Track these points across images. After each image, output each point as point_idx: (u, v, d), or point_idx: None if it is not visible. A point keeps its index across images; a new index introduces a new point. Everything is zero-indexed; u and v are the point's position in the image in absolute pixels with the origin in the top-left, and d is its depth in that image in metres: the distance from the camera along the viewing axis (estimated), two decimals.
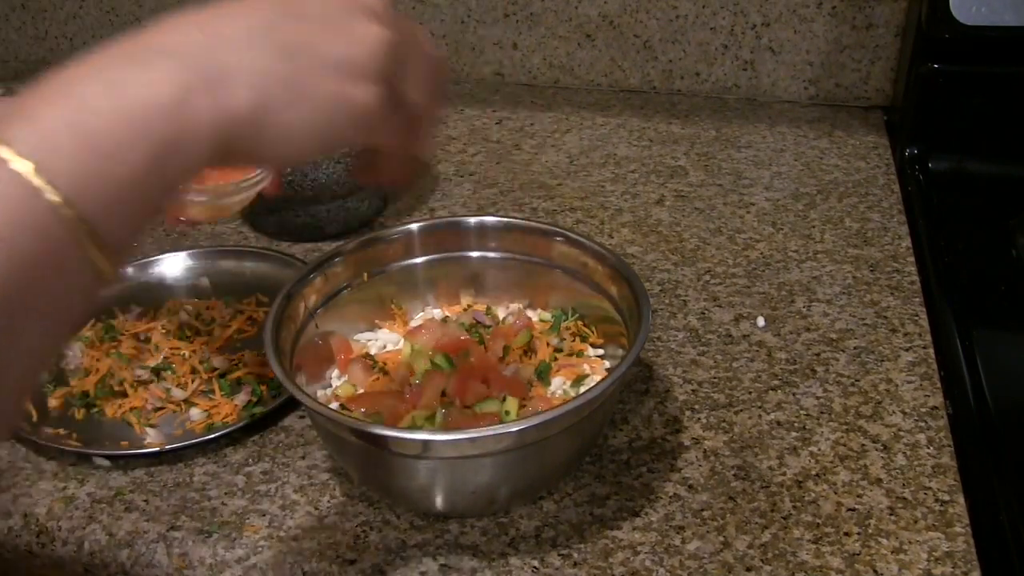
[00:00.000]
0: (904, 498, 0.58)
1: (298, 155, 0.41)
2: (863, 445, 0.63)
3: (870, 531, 0.56)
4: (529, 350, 0.66)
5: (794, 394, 0.68)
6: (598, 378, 0.64)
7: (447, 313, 0.71)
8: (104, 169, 0.34)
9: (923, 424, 0.64)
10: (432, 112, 0.47)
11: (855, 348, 0.72)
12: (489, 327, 0.68)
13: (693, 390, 0.69)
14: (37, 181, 0.32)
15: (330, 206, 0.88)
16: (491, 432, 0.51)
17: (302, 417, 0.68)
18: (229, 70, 0.37)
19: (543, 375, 0.64)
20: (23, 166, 0.32)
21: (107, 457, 0.65)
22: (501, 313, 0.71)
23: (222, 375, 0.71)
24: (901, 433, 0.64)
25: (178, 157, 0.36)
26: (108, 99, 0.34)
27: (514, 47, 1.24)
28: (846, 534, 0.56)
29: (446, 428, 0.58)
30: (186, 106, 0.35)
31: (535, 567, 0.55)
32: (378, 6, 0.42)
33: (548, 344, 0.67)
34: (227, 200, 0.54)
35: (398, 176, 0.51)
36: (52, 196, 0.32)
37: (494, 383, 0.62)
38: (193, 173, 0.37)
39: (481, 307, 0.71)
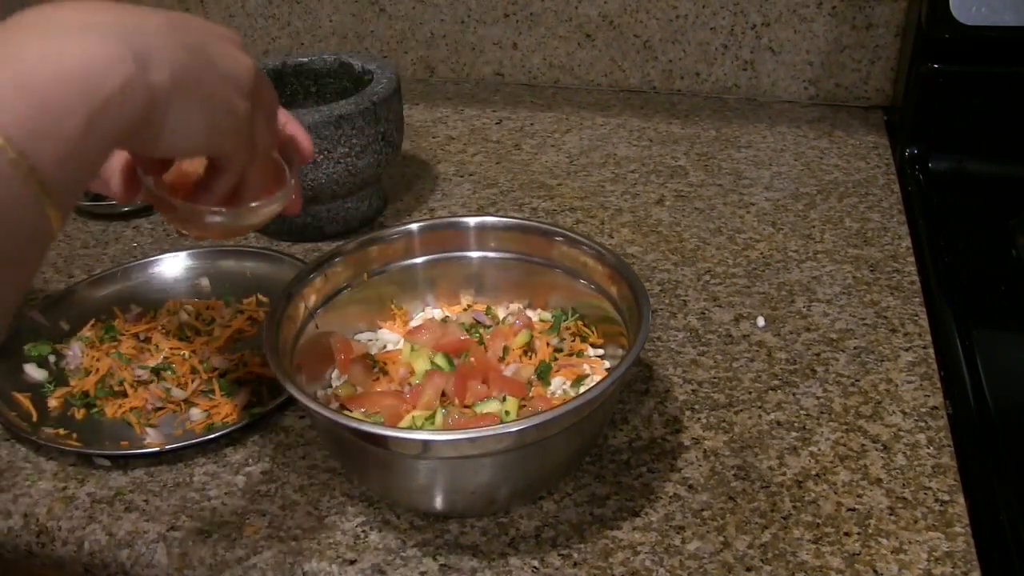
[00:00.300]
0: (904, 498, 0.58)
1: (187, 149, 0.45)
2: (863, 445, 0.63)
3: (870, 531, 0.56)
4: (529, 350, 0.66)
5: (794, 394, 0.68)
6: (598, 378, 0.64)
7: (447, 313, 0.71)
8: (51, 127, 0.37)
9: (923, 424, 0.64)
10: (272, 148, 0.53)
11: (855, 348, 0.72)
12: (489, 327, 0.68)
13: (693, 390, 0.69)
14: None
15: (330, 206, 0.88)
16: (491, 432, 0.51)
17: (302, 417, 0.68)
18: (154, 51, 0.41)
19: (543, 375, 0.64)
20: None
21: (107, 457, 0.65)
22: (501, 313, 0.71)
23: (222, 375, 0.71)
24: (901, 433, 0.64)
25: (111, 120, 0.39)
26: (51, 64, 0.37)
27: (514, 47, 1.24)
28: (846, 534, 0.56)
29: (446, 428, 0.58)
30: (119, 73, 0.39)
31: (535, 567, 0.55)
32: (240, 44, 0.49)
33: (548, 344, 0.67)
34: (246, 221, 0.55)
35: (229, 203, 0.54)
36: (9, 151, 0.35)
37: (494, 383, 0.62)
38: (120, 139, 0.40)
39: (481, 307, 0.71)
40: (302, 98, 0.96)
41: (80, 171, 0.39)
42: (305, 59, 0.95)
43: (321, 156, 0.82)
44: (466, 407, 0.60)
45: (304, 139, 0.61)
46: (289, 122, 0.60)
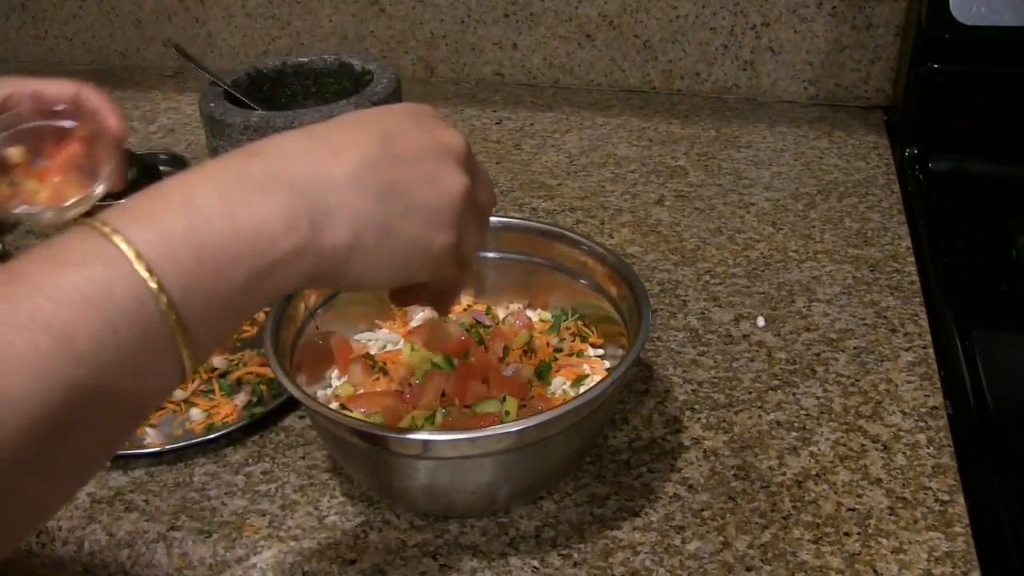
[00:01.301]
0: (904, 498, 0.58)
1: (374, 287, 0.44)
2: (863, 445, 0.63)
3: (870, 531, 0.56)
4: (529, 350, 0.66)
5: (794, 394, 0.68)
6: (598, 378, 0.64)
7: None
8: (208, 282, 0.36)
9: (923, 424, 0.64)
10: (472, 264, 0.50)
11: (855, 348, 0.72)
12: (489, 327, 0.68)
13: (693, 390, 0.69)
14: (151, 282, 0.34)
15: None
16: (491, 432, 0.51)
17: (302, 417, 0.68)
18: (333, 209, 0.39)
19: (543, 375, 0.64)
20: (140, 266, 0.34)
21: None
22: (501, 313, 0.71)
23: (222, 375, 0.71)
24: (901, 433, 0.64)
25: (272, 281, 0.38)
26: (225, 218, 0.37)
27: (514, 47, 1.24)
28: (846, 534, 0.56)
29: (446, 428, 0.58)
30: (292, 236, 0.38)
31: (535, 567, 0.55)
32: (462, 152, 0.45)
33: (548, 344, 0.67)
34: (69, 213, 0.56)
35: (436, 307, 0.55)
36: (161, 298, 0.34)
37: (494, 383, 0.62)
38: (280, 296, 0.40)
39: (481, 307, 0.71)
40: (302, 98, 0.96)
41: (231, 323, 0.38)
42: (305, 59, 0.95)
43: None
44: (466, 407, 0.60)
45: (111, 115, 0.59)
46: (92, 97, 0.59)
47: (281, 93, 0.95)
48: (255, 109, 0.87)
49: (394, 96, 0.87)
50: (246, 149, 0.40)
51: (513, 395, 0.60)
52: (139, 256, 0.34)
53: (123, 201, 0.37)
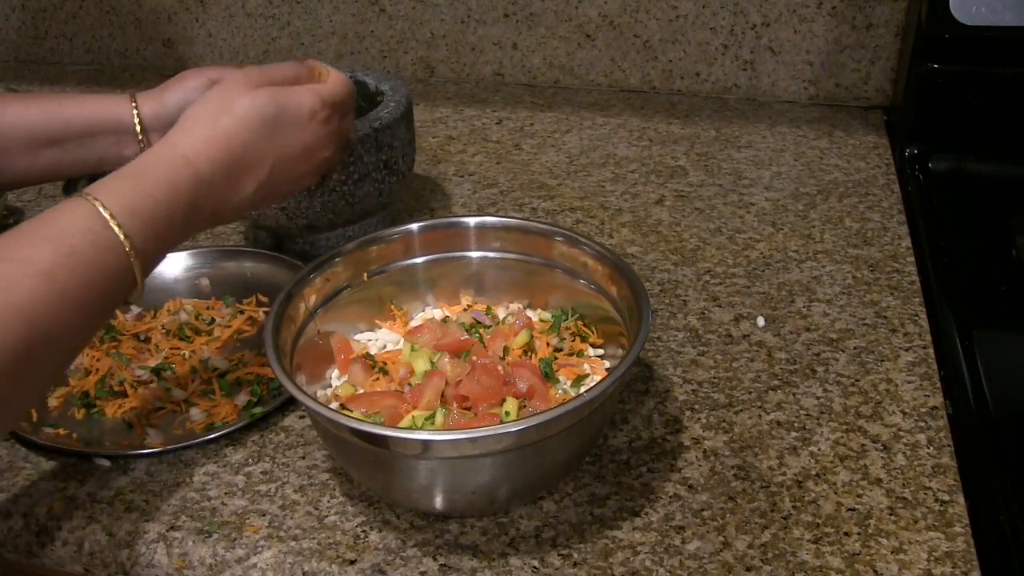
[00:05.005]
0: (904, 498, 0.58)
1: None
2: (863, 445, 0.63)
3: (870, 531, 0.56)
4: (529, 350, 0.66)
5: (794, 394, 0.68)
6: (598, 378, 0.64)
7: (447, 313, 0.71)
8: (154, 216, 0.55)
9: (923, 424, 0.64)
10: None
11: (855, 348, 0.72)
12: (489, 327, 0.68)
13: (693, 390, 0.69)
14: (114, 225, 0.52)
15: (329, 234, 0.85)
16: (491, 432, 0.51)
17: (302, 417, 0.68)
18: (241, 186, 0.62)
19: (549, 373, 0.63)
20: (107, 215, 0.52)
21: (107, 457, 0.65)
22: (501, 313, 0.71)
23: (222, 375, 0.71)
24: (901, 433, 0.64)
25: (200, 217, 0.59)
26: (168, 178, 0.57)
27: (514, 47, 1.24)
28: (846, 534, 0.56)
29: (446, 428, 0.58)
30: (213, 191, 0.59)
31: (535, 567, 0.55)
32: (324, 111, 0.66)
33: (548, 344, 0.67)
34: None
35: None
36: (120, 233, 0.52)
37: (504, 383, 0.61)
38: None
39: (481, 307, 0.71)
40: None
41: (165, 247, 0.57)
42: None
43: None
44: (466, 408, 0.60)
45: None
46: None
47: None
48: None
49: (401, 121, 0.82)
50: (180, 150, 0.59)
51: (513, 395, 0.60)
52: (105, 209, 0.52)
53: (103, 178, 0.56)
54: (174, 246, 0.58)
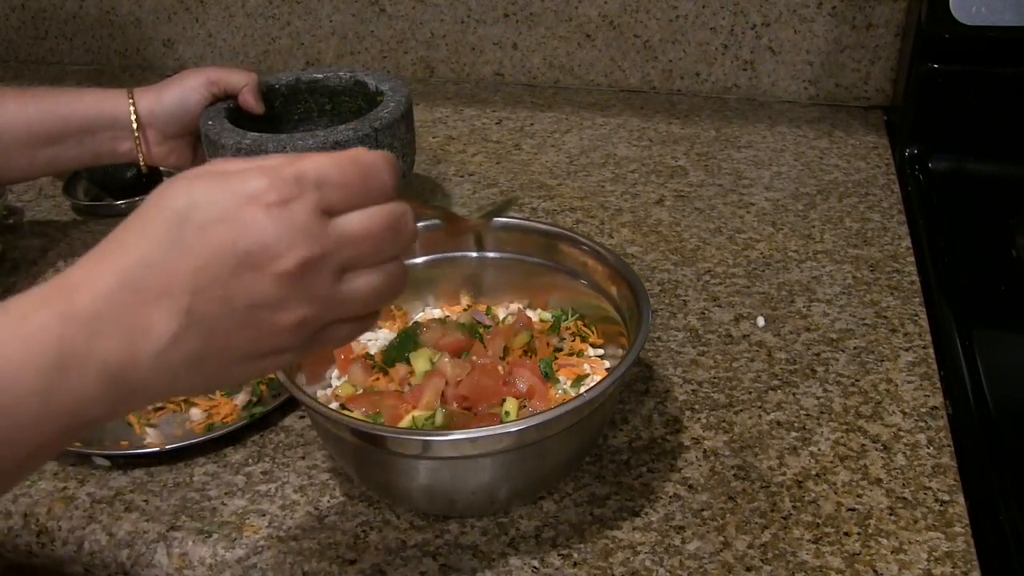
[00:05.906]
0: (904, 498, 0.58)
1: None
2: (863, 445, 0.63)
3: (870, 531, 0.56)
4: (529, 350, 0.66)
5: (794, 394, 0.68)
6: (598, 378, 0.64)
7: (447, 313, 0.71)
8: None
9: (923, 424, 0.64)
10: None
11: (855, 348, 0.72)
12: (489, 327, 0.68)
13: (693, 390, 0.69)
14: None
15: None
16: (491, 432, 0.52)
17: (302, 417, 0.68)
18: (138, 392, 0.40)
19: (549, 373, 0.63)
20: None
21: (107, 457, 0.65)
22: (501, 313, 0.71)
23: None
24: (901, 433, 0.64)
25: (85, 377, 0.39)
26: (42, 399, 0.38)
27: (514, 47, 1.24)
28: (846, 534, 0.56)
29: (446, 428, 0.58)
30: (100, 407, 0.39)
31: (535, 567, 0.55)
32: (289, 261, 0.38)
33: (548, 344, 0.67)
34: None
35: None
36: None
37: (504, 383, 0.61)
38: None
39: (481, 307, 0.71)
40: (316, 115, 0.93)
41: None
42: (319, 75, 0.91)
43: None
44: (467, 409, 0.60)
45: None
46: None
47: (294, 110, 0.92)
48: (260, 126, 0.84)
49: (401, 122, 0.82)
50: (71, 280, 0.39)
51: (526, 391, 0.60)
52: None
53: None
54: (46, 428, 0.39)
